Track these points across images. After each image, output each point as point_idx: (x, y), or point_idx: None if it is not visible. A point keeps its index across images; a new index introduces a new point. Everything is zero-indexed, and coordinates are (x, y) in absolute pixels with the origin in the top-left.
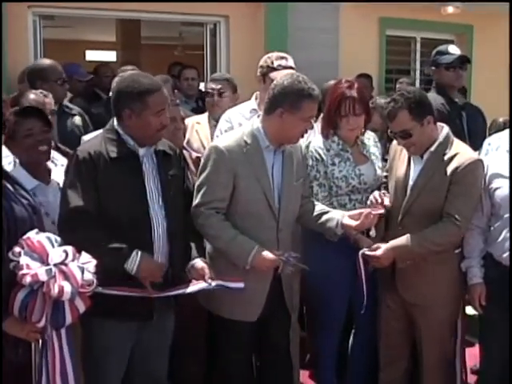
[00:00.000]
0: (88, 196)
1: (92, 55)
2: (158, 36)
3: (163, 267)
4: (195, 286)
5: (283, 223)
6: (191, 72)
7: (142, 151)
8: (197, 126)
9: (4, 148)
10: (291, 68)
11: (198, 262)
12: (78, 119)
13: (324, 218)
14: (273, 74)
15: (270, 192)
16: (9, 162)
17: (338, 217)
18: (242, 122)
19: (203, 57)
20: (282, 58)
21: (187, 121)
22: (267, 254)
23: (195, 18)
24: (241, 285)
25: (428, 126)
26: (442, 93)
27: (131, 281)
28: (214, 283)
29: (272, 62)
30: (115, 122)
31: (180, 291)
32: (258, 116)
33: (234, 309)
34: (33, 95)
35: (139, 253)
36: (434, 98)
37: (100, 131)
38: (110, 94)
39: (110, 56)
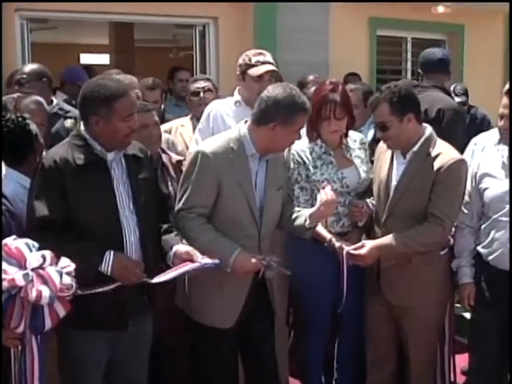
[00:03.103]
0: (55, 205)
1: (86, 58)
2: (151, 39)
3: (139, 264)
4: (185, 268)
5: (265, 231)
6: (185, 74)
7: (110, 156)
8: (181, 129)
9: None
10: (269, 63)
11: (180, 248)
12: (70, 122)
13: (293, 217)
14: (251, 71)
15: (252, 200)
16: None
17: (306, 212)
18: (224, 115)
19: (192, 58)
20: (260, 53)
21: (171, 124)
22: (249, 256)
23: (184, 21)
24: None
25: (408, 125)
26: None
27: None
28: (204, 261)
29: (250, 59)
30: (82, 127)
31: (169, 276)
32: (246, 122)
33: (211, 315)
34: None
35: (111, 253)
36: (446, 98)
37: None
38: None
39: (103, 59)
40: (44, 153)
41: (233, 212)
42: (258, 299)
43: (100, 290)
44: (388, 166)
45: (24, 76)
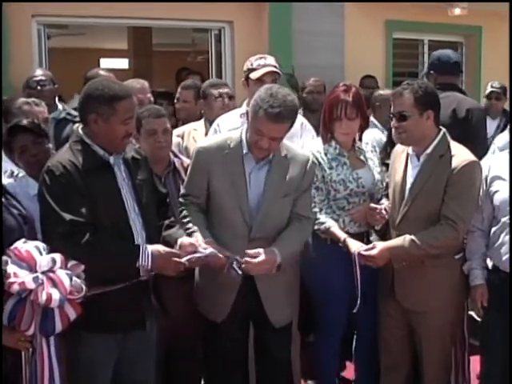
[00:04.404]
0: (80, 207)
1: (106, 63)
2: (169, 43)
3: (176, 254)
4: (188, 256)
5: (257, 233)
6: (196, 78)
7: (111, 159)
8: (193, 133)
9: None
10: (270, 66)
11: (184, 241)
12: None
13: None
14: (252, 74)
15: (243, 198)
16: (4, 170)
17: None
18: (231, 127)
19: (208, 62)
20: (261, 57)
21: (183, 128)
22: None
23: (200, 25)
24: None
25: (426, 121)
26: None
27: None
28: (207, 250)
29: (252, 64)
30: (81, 132)
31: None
32: None
33: (206, 305)
34: (25, 106)
35: (148, 247)
36: (469, 98)
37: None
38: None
39: (122, 63)
40: None
41: (222, 209)
42: (250, 305)
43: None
44: (403, 168)
45: (41, 78)
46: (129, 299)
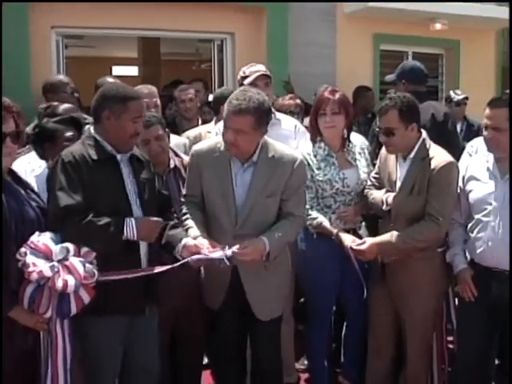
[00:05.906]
0: (77, 195)
1: (117, 70)
2: (176, 52)
3: (159, 222)
4: (195, 257)
5: (240, 231)
6: (198, 85)
7: (119, 156)
8: (208, 135)
9: (34, 154)
10: (261, 71)
11: (189, 241)
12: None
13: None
14: (246, 81)
15: (230, 198)
16: (39, 165)
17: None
18: None
19: (211, 70)
20: (252, 65)
21: (199, 130)
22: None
23: (204, 36)
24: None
25: (411, 133)
26: None
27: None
28: (212, 255)
29: (244, 72)
30: (92, 130)
31: (181, 262)
32: None
33: (205, 295)
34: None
35: (131, 219)
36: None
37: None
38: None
39: (132, 71)
40: None
41: (212, 206)
42: (238, 302)
43: (127, 276)
44: (394, 169)
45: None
46: (130, 285)
